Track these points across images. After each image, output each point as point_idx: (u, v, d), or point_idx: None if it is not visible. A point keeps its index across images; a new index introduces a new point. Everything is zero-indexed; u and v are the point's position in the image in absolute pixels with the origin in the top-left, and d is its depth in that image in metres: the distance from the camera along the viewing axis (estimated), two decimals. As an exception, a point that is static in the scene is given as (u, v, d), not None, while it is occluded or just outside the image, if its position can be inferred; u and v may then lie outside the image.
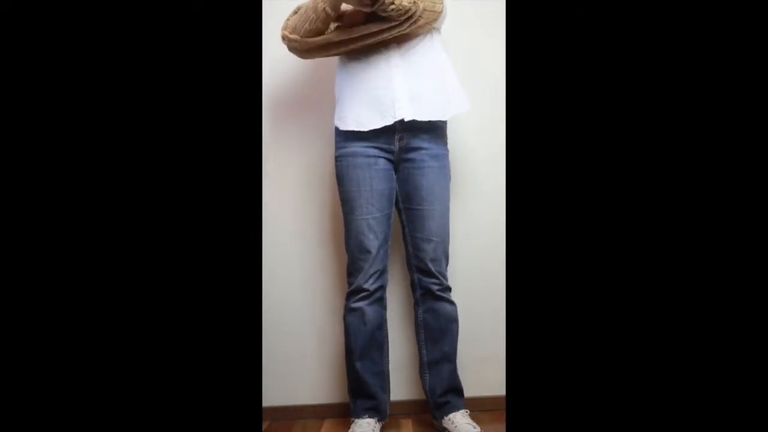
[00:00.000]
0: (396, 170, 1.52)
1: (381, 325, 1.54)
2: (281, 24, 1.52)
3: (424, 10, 1.37)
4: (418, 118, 1.44)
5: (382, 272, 1.51)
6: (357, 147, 1.47)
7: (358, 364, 1.51)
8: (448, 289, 1.54)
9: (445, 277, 1.53)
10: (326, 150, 1.77)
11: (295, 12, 1.47)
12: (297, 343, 1.80)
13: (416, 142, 1.48)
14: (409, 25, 1.37)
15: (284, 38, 1.46)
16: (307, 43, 1.42)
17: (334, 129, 1.54)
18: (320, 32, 1.39)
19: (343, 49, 1.44)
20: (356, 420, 1.51)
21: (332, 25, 1.41)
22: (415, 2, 1.33)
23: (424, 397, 1.60)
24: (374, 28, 1.36)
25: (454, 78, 1.52)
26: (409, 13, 1.33)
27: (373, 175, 1.47)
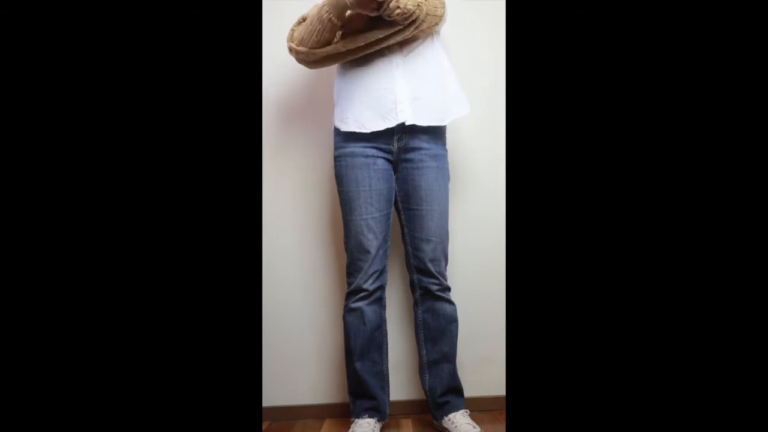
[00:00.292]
0: (395, 170, 1.52)
1: (380, 325, 1.54)
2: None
3: (427, 14, 1.37)
4: (419, 123, 1.45)
5: (382, 272, 1.51)
6: (356, 147, 1.48)
7: (357, 365, 1.51)
8: (448, 289, 1.54)
9: (444, 277, 1.53)
10: (326, 150, 1.77)
11: (299, 22, 1.47)
12: (297, 343, 1.80)
13: (415, 143, 1.48)
14: (413, 30, 1.38)
15: (291, 50, 1.47)
16: (315, 54, 1.43)
17: (333, 130, 1.54)
18: (328, 42, 1.40)
19: (350, 58, 1.44)
20: (356, 420, 1.51)
21: (338, 33, 1.42)
22: (419, 5, 1.33)
23: (424, 397, 1.60)
24: (380, 34, 1.37)
25: (454, 81, 1.53)
26: (413, 17, 1.34)
27: (372, 175, 1.47)
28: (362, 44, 1.39)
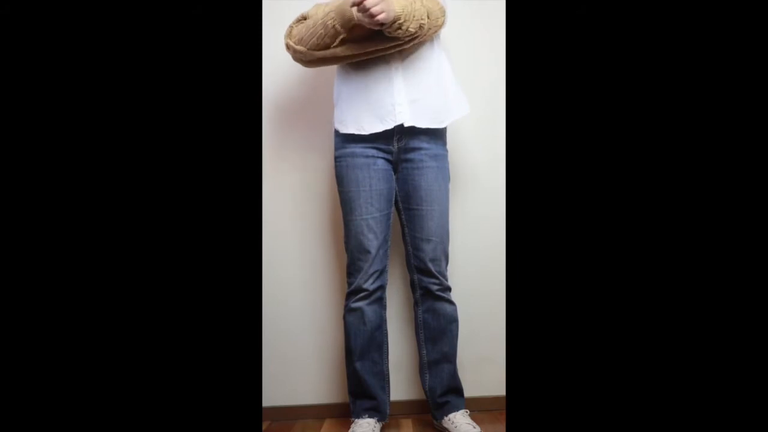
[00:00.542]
0: (395, 170, 1.53)
1: (381, 325, 1.54)
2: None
3: (429, 29, 1.38)
4: (418, 125, 1.45)
5: (382, 272, 1.51)
6: (356, 148, 1.48)
7: (357, 364, 1.51)
8: (448, 289, 1.54)
9: (445, 277, 1.53)
10: (326, 150, 1.77)
11: (299, 20, 1.46)
12: (297, 343, 1.80)
13: (415, 143, 1.49)
14: (414, 43, 1.40)
15: (288, 47, 1.46)
16: (314, 55, 1.43)
17: (333, 130, 1.54)
18: (327, 46, 1.40)
19: (348, 62, 1.45)
20: (356, 420, 1.51)
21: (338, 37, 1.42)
22: (421, 27, 1.35)
23: (424, 397, 1.60)
24: (380, 45, 1.38)
25: (454, 82, 1.53)
26: (415, 35, 1.35)
27: (372, 175, 1.48)
28: (362, 51, 1.39)
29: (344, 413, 1.68)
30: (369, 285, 1.49)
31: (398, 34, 1.32)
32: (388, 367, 1.57)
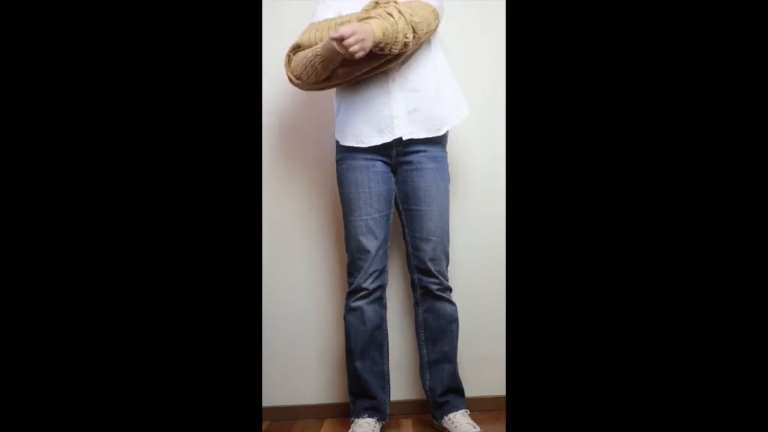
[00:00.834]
0: (394, 173, 1.54)
1: (381, 325, 1.54)
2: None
3: (420, 39, 1.39)
4: (416, 137, 1.47)
5: (382, 272, 1.51)
6: (356, 153, 1.51)
7: (358, 364, 1.52)
8: (449, 289, 1.55)
9: (445, 277, 1.53)
10: (327, 151, 1.77)
11: (293, 49, 1.47)
12: (297, 343, 1.80)
13: (414, 147, 1.50)
14: (408, 54, 1.41)
15: (291, 80, 1.49)
16: (313, 86, 1.47)
17: (334, 131, 1.55)
18: (324, 79, 1.43)
19: (346, 80, 1.45)
20: (356, 420, 1.51)
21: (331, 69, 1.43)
22: (406, 45, 1.35)
23: (424, 396, 1.60)
24: (375, 62, 1.39)
25: (452, 84, 1.53)
26: (407, 46, 1.36)
27: (371, 177, 1.49)
28: (359, 73, 1.41)
29: (344, 413, 1.68)
30: (368, 284, 1.49)
31: (390, 51, 1.34)
32: (388, 366, 1.57)
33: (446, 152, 1.56)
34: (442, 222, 1.52)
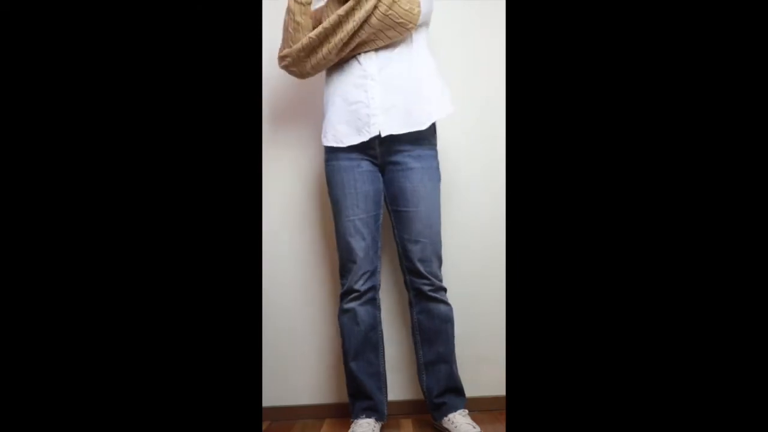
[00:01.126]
0: (382, 173, 1.53)
1: (375, 326, 1.54)
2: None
3: (393, 2, 1.36)
4: (394, 132, 1.45)
5: (372, 273, 1.51)
6: (340, 153, 1.50)
7: (353, 365, 1.52)
8: (442, 289, 1.53)
9: (437, 278, 1.52)
10: (321, 151, 1.77)
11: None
12: (297, 344, 1.80)
13: (398, 146, 1.48)
14: (390, 36, 1.40)
15: (280, 62, 1.50)
16: (297, 51, 1.44)
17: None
18: (304, 27, 1.43)
19: (327, 48, 1.43)
20: (356, 420, 1.51)
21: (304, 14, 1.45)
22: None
23: (423, 397, 1.60)
24: (342, 11, 1.37)
25: (436, 82, 1.50)
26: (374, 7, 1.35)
27: (357, 177, 1.49)
28: (329, 25, 1.39)
29: (344, 413, 1.68)
30: (360, 286, 1.49)
31: None
32: (384, 367, 1.57)
33: (436, 151, 1.53)
34: (430, 222, 1.50)
